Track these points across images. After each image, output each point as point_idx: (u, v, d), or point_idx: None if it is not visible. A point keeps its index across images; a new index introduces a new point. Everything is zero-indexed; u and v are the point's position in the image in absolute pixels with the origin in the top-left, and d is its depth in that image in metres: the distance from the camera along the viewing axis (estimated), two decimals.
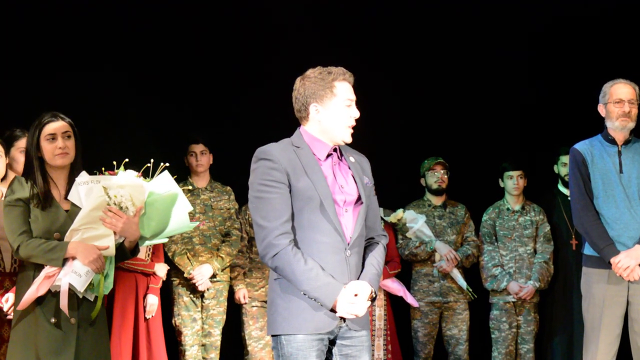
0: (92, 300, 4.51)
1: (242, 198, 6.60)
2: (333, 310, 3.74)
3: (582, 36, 7.57)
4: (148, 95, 7.10)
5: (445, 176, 7.11)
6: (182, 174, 6.55)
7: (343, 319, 3.81)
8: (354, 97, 3.93)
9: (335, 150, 3.96)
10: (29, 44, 6.68)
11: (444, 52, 7.70)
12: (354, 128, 3.96)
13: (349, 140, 3.92)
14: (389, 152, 7.43)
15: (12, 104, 6.43)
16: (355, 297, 3.73)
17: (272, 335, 3.85)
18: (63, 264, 4.37)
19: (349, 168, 3.96)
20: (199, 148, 6.73)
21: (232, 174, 6.74)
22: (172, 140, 6.90)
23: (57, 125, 4.57)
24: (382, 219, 6.81)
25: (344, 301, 3.71)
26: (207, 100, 7.31)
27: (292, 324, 3.77)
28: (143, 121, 7.02)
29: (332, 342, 3.86)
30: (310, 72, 3.95)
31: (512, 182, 7.08)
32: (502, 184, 7.17)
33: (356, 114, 3.92)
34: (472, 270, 7.13)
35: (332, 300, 3.70)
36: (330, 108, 3.89)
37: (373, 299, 3.84)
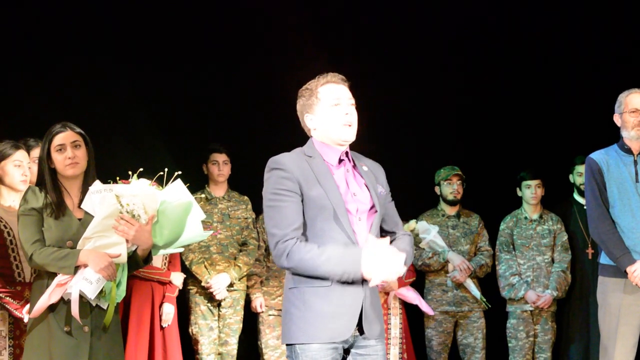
0: (105, 308, 4.53)
1: (258, 207, 6.61)
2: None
3: (598, 45, 7.55)
4: (163, 104, 7.14)
5: (461, 187, 7.11)
6: (196, 183, 6.55)
7: (360, 330, 3.80)
8: (342, 95, 3.93)
9: (347, 155, 3.97)
10: (42, 53, 6.73)
11: (457, 60, 7.71)
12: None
13: (350, 138, 3.92)
14: (403, 161, 7.42)
15: (26, 113, 6.47)
16: (380, 253, 3.66)
17: (287, 345, 3.84)
18: (75, 272, 4.40)
19: (362, 176, 3.96)
20: (221, 157, 6.76)
21: (249, 183, 6.75)
22: (187, 148, 6.94)
23: (65, 136, 4.60)
24: None
25: (370, 261, 3.65)
26: (223, 110, 7.34)
27: (306, 333, 3.75)
28: (158, 130, 7.04)
29: (346, 351, 3.85)
30: (301, 88, 4.02)
31: (530, 191, 7.08)
32: (519, 193, 7.17)
33: (347, 110, 3.91)
34: (486, 280, 7.12)
35: (358, 266, 3.66)
36: (319, 113, 3.92)
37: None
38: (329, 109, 3.90)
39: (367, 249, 3.68)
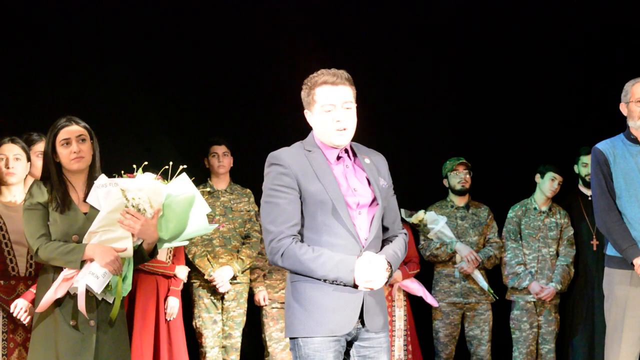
0: (111, 302, 4.53)
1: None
2: (355, 286, 3.72)
3: (602, 35, 7.53)
4: (167, 99, 7.14)
5: (469, 176, 7.09)
6: (201, 177, 6.56)
7: (361, 322, 3.80)
8: (336, 100, 3.83)
9: (346, 151, 3.94)
10: (48, 46, 6.73)
11: (463, 52, 7.70)
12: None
13: (342, 143, 3.86)
14: (412, 153, 7.42)
15: (31, 107, 6.47)
16: (371, 265, 3.69)
17: (290, 338, 3.85)
18: (81, 266, 4.40)
19: (363, 170, 3.94)
20: (221, 149, 6.74)
21: (251, 177, 6.74)
22: (191, 142, 6.94)
23: (70, 130, 4.59)
24: (403, 219, 6.80)
25: (361, 271, 3.69)
26: (226, 104, 7.33)
27: (309, 327, 3.76)
28: (162, 124, 7.04)
29: (349, 344, 3.86)
30: (306, 78, 3.94)
31: (553, 183, 7.04)
32: (538, 180, 7.12)
33: (339, 116, 3.83)
34: (493, 271, 7.11)
35: (350, 274, 3.69)
36: (315, 114, 3.89)
37: (390, 275, 3.80)
38: (322, 114, 3.85)
39: (360, 261, 3.70)
